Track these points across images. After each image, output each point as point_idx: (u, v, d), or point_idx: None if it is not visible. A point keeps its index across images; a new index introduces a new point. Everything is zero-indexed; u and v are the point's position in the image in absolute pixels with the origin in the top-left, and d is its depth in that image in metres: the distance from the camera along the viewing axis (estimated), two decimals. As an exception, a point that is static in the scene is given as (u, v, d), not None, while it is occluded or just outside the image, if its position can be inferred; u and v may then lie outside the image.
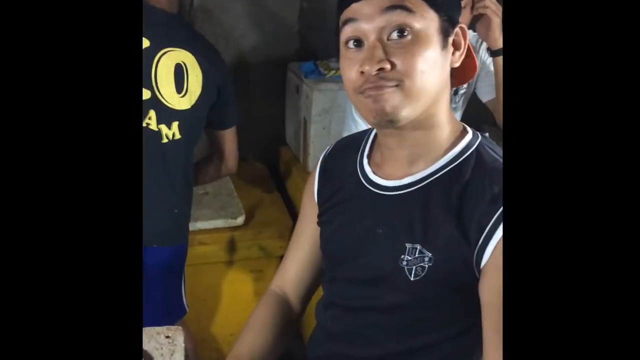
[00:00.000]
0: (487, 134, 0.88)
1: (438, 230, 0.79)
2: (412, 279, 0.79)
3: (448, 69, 0.80)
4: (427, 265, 0.79)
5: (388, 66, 0.74)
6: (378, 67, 0.74)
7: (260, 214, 1.97)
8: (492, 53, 1.43)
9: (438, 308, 0.82)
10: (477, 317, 0.81)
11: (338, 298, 0.91)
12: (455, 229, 0.77)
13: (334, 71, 1.99)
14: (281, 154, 2.29)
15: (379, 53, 0.74)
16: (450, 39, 0.79)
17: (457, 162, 0.81)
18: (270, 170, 2.28)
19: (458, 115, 1.64)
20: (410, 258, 0.80)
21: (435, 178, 0.81)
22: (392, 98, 0.75)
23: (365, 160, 0.90)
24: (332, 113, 1.96)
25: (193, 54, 1.41)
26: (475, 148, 0.82)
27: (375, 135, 0.91)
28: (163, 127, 1.40)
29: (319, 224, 0.96)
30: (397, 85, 0.75)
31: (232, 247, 1.88)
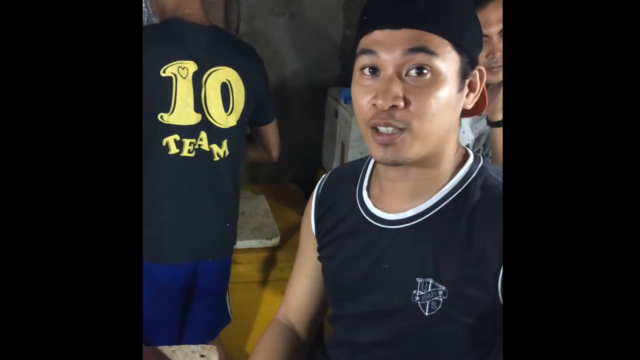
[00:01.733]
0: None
1: (449, 262, 0.77)
2: (426, 314, 0.77)
3: (460, 110, 0.78)
4: (441, 299, 0.76)
5: (402, 104, 0.72)
6: (392, 104, 0.72)
7: (294, 236, 1.98)
8: (492, 124, 1.28)
9: (454, 339, 0.80)
10: (494, 342, 0.80)
11: (348, 336, 0.89)
12: (468, 257, 0.75)
13: (374, 97, 2.00)
14: (317, 177, 2.29)
15: (396, 89, 0.72)
16: (467, 81, 0.77)
17: (461, 189, 0.79)
18: (306, 193, 2.29)
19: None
20: (423, 293, 0.77)
21: (440, 209, 0.79)
22: (401, 143, 0.73)
23: (364, 193, 0.87)
24: (370, 139, 1.96)
25: (236, 70, 1.43)
26: (478, 172, 0.80)
27: (374, 165, 0.89)
28: (214, 147, 1.43)
29: (319, 258, 0.93)
30: (405, 128, 0.73)
31: (265, 267, 1.90)
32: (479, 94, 0.79)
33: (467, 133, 1.47)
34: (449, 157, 0.80)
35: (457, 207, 0.78)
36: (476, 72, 0.78)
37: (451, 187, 0.80)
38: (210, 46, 1.40)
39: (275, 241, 1.87)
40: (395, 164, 0.76)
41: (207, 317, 1.61)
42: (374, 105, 0.73)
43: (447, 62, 0.72)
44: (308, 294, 0.98)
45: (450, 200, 0.79)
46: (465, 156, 0.83)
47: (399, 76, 0.72)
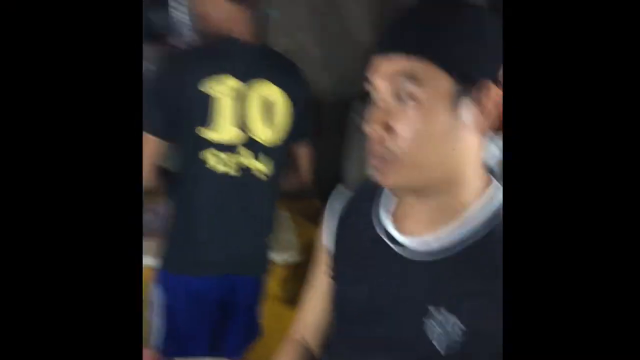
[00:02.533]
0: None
1: (472, 298, 0.72)
2: (439, 349, 0.72)
3: (464, 132, 0.71)
4: (459, 337, 0.71)
5: (385, 132, 0.71)
6: (375, 131, 0.72)
7: (314, 252, 1.97)
8: None
9: None
10: None
11: (352, 358, 0.84)
12: (493, 296, 0.70)
13: (398, 114, 2.00)
14: (339, 193, 2.29)
15: (377, 117, 0.72)
16: (471, 99, 0.70)
17: (493, 225, 0.73)
18: (327, 209, 2.28)
19: None
20: (438, 328, 0.73)
21: (469, 244, 0.74)
22: (391, 171, 0.72)
23: (384, 213, 0.82)
24: (393, 155, 1.95)
25: (280, 87, 1.44)
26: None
27: None
28: (254, 163, 1.44)
29: (330, 276, 0.90)
30: (394, 155, 0.71)
31: (285, 283, 1.89)
32: (492, 113, 0.71)
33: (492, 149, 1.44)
34: (468, 183, 0.75)
35: (487, 243, 0.73)
36: (480, 86, 0.69)
37: (481, 221, 0.74)
38: (254, 63, 1.42)
39: (295, 257, 1.86)
40: (390, 188, 0.75)
41: (242, 331, 1.62)
42: None
43: (430, 85, 0.69)
44: (323, 312, 0.96)
45: (479, 237, 0.73)
46: (489, 182, 0.77)
47: (389, 103, 0.71)
